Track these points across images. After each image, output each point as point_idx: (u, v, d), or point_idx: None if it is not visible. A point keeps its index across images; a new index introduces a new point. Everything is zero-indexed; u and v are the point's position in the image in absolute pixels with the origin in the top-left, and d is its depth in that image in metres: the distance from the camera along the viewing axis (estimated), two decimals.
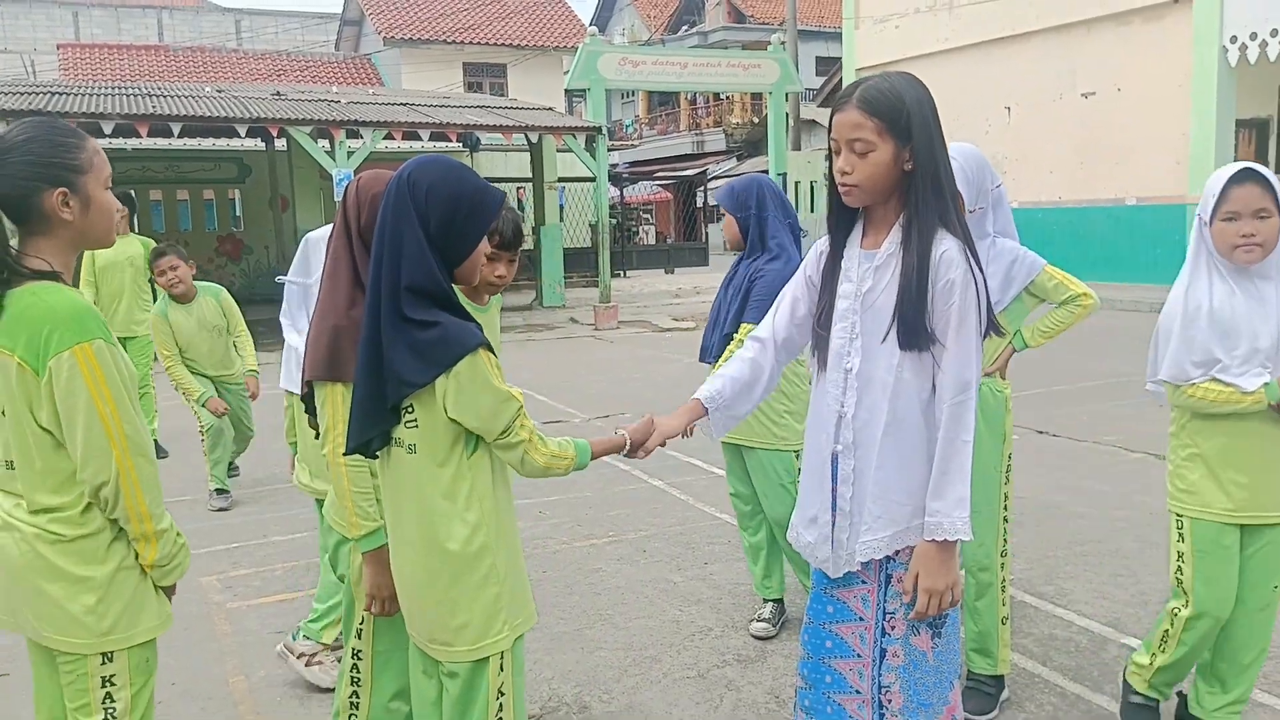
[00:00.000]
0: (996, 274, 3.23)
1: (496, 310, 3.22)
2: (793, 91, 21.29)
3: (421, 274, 2.07)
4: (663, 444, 2.46)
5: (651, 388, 10.04)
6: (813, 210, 23.71)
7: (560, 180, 18.39)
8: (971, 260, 2.21)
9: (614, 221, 23.74)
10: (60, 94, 14.22)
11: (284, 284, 3.73)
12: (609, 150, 28.63)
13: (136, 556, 2.13)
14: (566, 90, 25.52)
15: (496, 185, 2.34)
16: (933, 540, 2.16)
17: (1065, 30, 17.34)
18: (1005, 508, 3.32)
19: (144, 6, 35.57)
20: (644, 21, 39.36)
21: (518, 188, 21.07)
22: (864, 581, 2.31)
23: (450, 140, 15.57)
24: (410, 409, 2.12)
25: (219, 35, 34.45)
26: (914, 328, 2.21)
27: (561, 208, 21.25)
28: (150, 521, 2.08)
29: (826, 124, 2.40)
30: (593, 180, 16.66)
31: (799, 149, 24.94)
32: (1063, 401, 8.40)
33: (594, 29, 19.42)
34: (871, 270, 2.30)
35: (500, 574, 2.17)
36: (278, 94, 16.10)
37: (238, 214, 20.12)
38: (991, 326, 2.30)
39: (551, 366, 11.55)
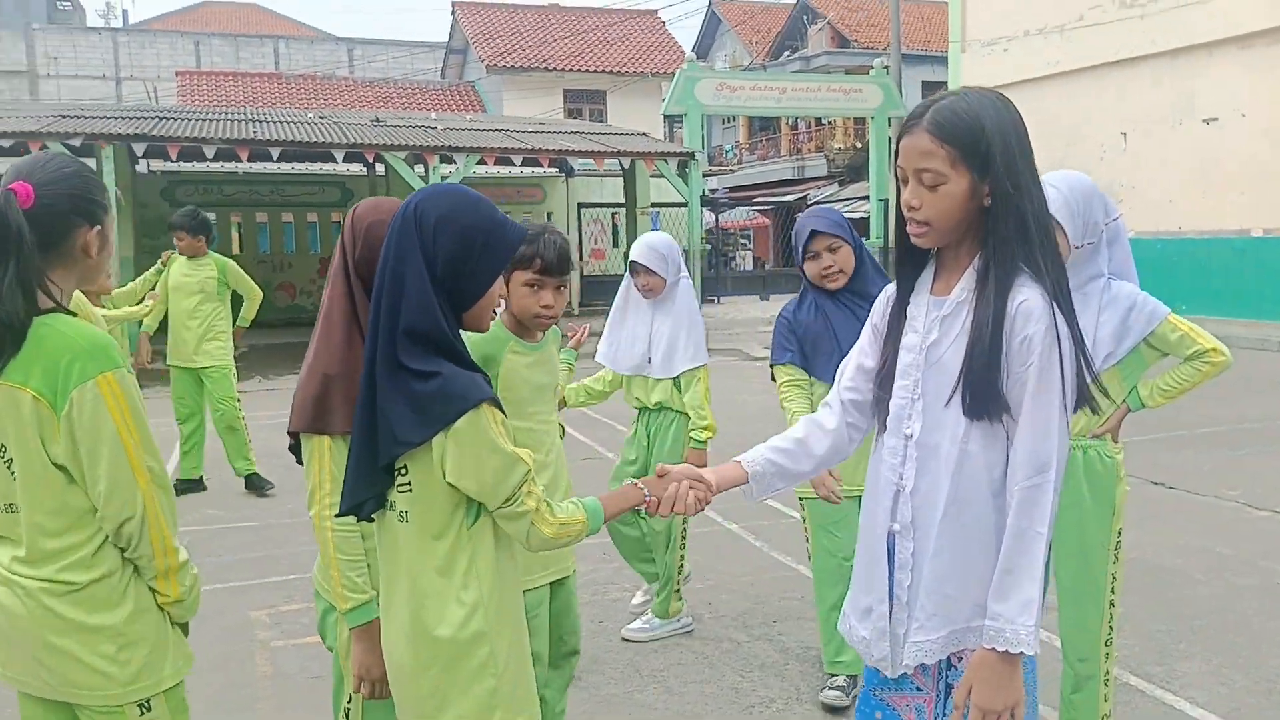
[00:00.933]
0: (1111, 321, 2.86)
1: (554, 345, 2.99)
2: (896, 116, 20.77)
3: (423, 317, 1.83)
4: (700, 507, 2.13)
5: (735, 420, 9.67)
6: None
7: (654, 205, 18.22)
8: (1059, 314, 1.87)
9: (708, 247, 23.47)
10: (167, 118, 14.66)
11: None
12: (707, 176, 28.48)
13: (154, 595, 2.01)
14: (665, 116, 25.46)
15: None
16: (992, 649, 1.81)
17: (1184, 53, 16.46)
18: (1112, 590, 2.92)
19: (262, 36, 36.90)
20: (746, 47, 39.10)
21: (612, 213, 21.00)
22: (919, 689, 1.97)
23: (542, 165, 15.56)
24: (404, 470, 1.87)
25: (332, 64, 35.50)
26: (982, 392, 1.88)
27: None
28: (174, 555, 1.99)
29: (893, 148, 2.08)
30: (685, 205, 16.44)
31: None
32: (1179, 448, 7.75)
33: (693, 55, 19.28)
34: (938, 320, 1.98)
35: (499, 664, 1.90)
36: (377, 120, 16.34)
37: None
38: (1083, 397, 1.94)
39: None
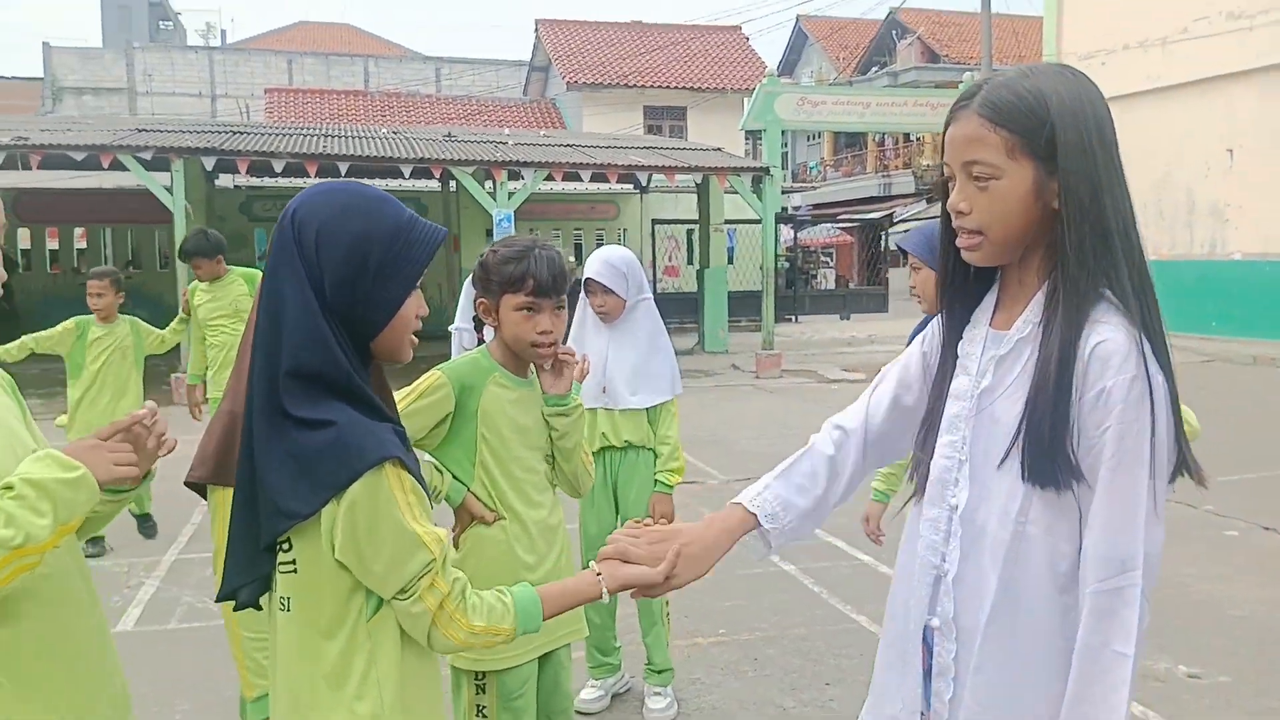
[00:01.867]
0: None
1: (540, 394, 2.55)
2: None
3: (310, 353, 1.43)
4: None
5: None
6: None
7: (729, 222, 17.75)
8: (1148, 357, 1.41)
9: (785, 265, 22.88)
10: (241, 133, 14.73)
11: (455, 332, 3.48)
12: (789, 192, 27.91)
13: None
14: (747, 131, 25.04)
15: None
16: None
17: None
18: None
19: (352, 55, 37.47)
20: (833, 63, 38.42)
21: (687, 230, 20.61)
22: None
23: (610, 181, 15.23)
24: (287, 544, 1.47)
25: (420, 81, 35.85)
26: (1045, 451, 1.43)
27: (731, 250, 20.63)
28: None
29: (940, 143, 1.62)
30: (760, 223, 15.95)
31: None
32: None
33: (774, 70, 18.80)
34: (994, 361, 1.53)
35: None
36: (449, 135, 16.23)
37: None
38: (1184, 465, 1.46)
39: (701, 417, 10.83)
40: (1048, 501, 1.44)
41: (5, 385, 1.75)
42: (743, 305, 18.73)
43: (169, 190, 12.34)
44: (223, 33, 43.80)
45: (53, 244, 18.93)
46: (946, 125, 1.53)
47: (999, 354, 1.53)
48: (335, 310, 1.45)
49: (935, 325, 1.71)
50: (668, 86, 28.30)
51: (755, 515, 1.68)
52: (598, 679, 3.88)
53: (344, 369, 1.44)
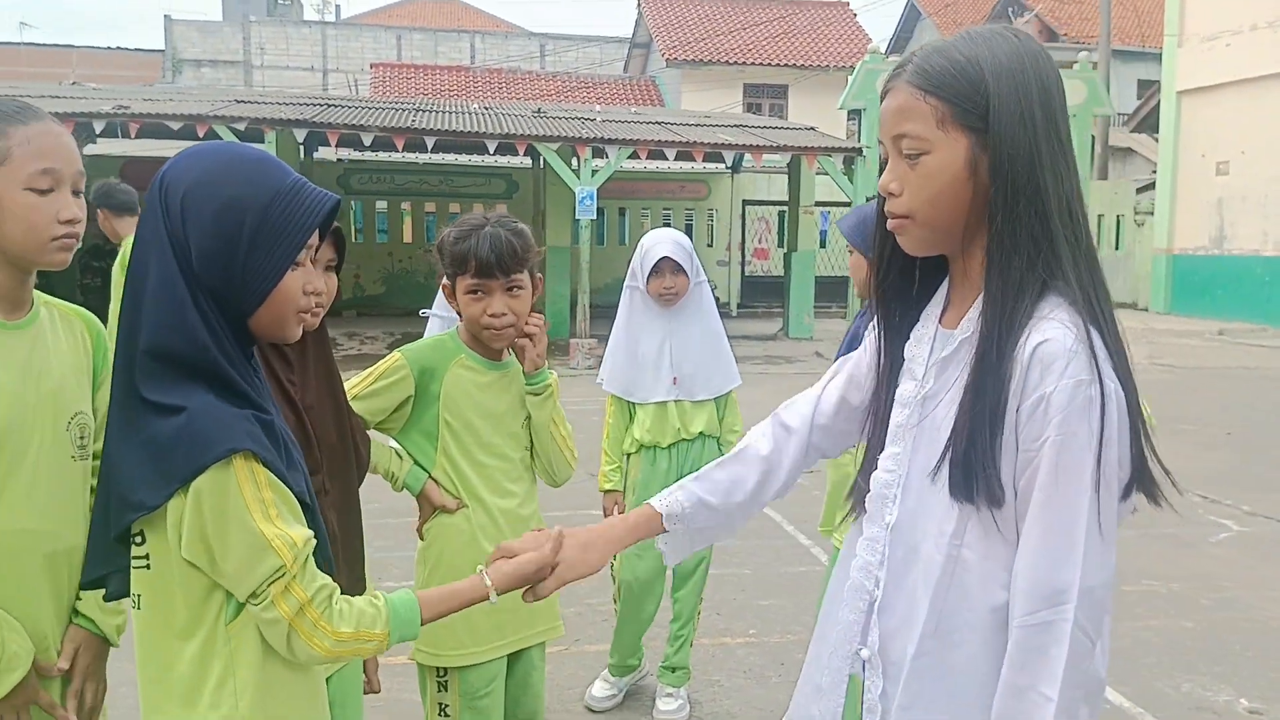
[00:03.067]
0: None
1: (518, 378, 2.42)
2: (1100, 114, 19.02)
3: (169, 332, 1.32)
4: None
5: None
6: (1118, 248, 21.21)
7: (820, 204, 17.33)
8: (1099, 358, 1.22)
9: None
10: (335, 106, 14.96)
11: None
12: None
13: None
14: (848, 110, 24.47)
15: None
16: None
17: None
18: None
19: (459, 31, 37.89)
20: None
21: (779, 211, 20.23)
22: None
23: (697, 160, 14.99)
24: (140, 537, 1.36)
25: (524, 58, 36.05)
26: (968, 466, 1.27)
27: (824, 234, 20.16)
28: None
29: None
30: (850, 205, 15.52)
31: (1105, 178, 22.43)
32: None
33: (878, 46, 18.23)
34: (936, 364, 1.37)
35: None
36: (539, 112, 16.22)
37: None
38: (1138, 482, 1.28)
39: (777, 404, 10.60)
40: (985, 523, 1.28)
41: (79, 331, 1.78)
42: (833, 291, 18.29)
43: None
44: (337, 7, 44.96)
45: None
46: (881, 98, 1.37)
47: (943, 355, 1.36)
48: (204, 284, 1.33)
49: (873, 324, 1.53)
50: (769, 64, 27.80)
51: (660, 514, 1.57)
52: (614, 677, 3.74)
53: (204, 349, 1.32)
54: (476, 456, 2.35)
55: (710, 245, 20.41)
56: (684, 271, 3.36)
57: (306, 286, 1.42)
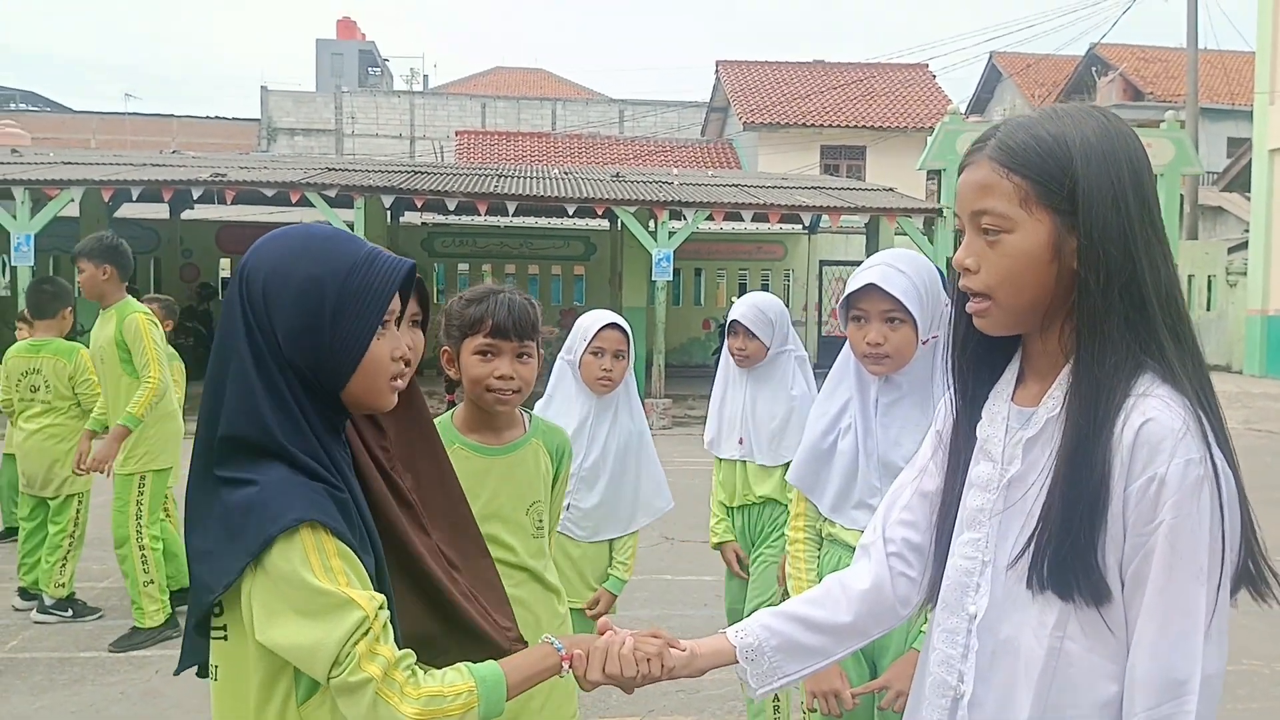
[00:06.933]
0: None
1: (538, 454, 2.34)
2: (1189, 173, 18.59)
3: (240, 415, 1.34)
4: (650, 671, 1.51)
5: None
6: (1209, 309, 20.58)
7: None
8: (1213, 444, 1.17)
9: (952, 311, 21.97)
10: (418, 173, 15.39)
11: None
12: None
13: None
14: (927, 171, 24.40)
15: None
16: None
17: None
18: None
19: (541, 99, 38.81)
20: (1027, 100, 36.94)
21: None
22: None
23: (772, 222, 15.01)
24: (219, 608, 1.38)
25: (605, 123, 36.74)
26: (1069, 558, 1.20)
27: None
28: None
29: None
30: None
31: (1195, 237, 21.85)
32: None
33: (958, 107, 18.16)
34: (1022, 444, 1.31)
35: None
36: (617, 176, 16.46)
37: (583, 290, 20.88)
38: (1247, 578, 1.23)
39: None
40: (1089, 616, 1.22)
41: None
42: None
43: (350, 226, 13.01)
44: (425, 77, 46.23)
45: None
46: (960, 171, 1.34)
47: (1028, 435, 1.30)
48: (295, 366, 1.36)
49: (945, 401, 1.48)
50: (846, 126, 27.85)
51: (734, 646, 1.52)
52: None
53: (269, 432, 1.33)
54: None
55: (787, 305, 20.32)
56: (756, 336, 3.34)
57: (394, 352, 1.43)
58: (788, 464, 3.34)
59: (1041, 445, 1.28)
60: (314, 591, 1.29)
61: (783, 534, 3.25)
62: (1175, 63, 32.54)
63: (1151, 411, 1.17)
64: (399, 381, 1.47)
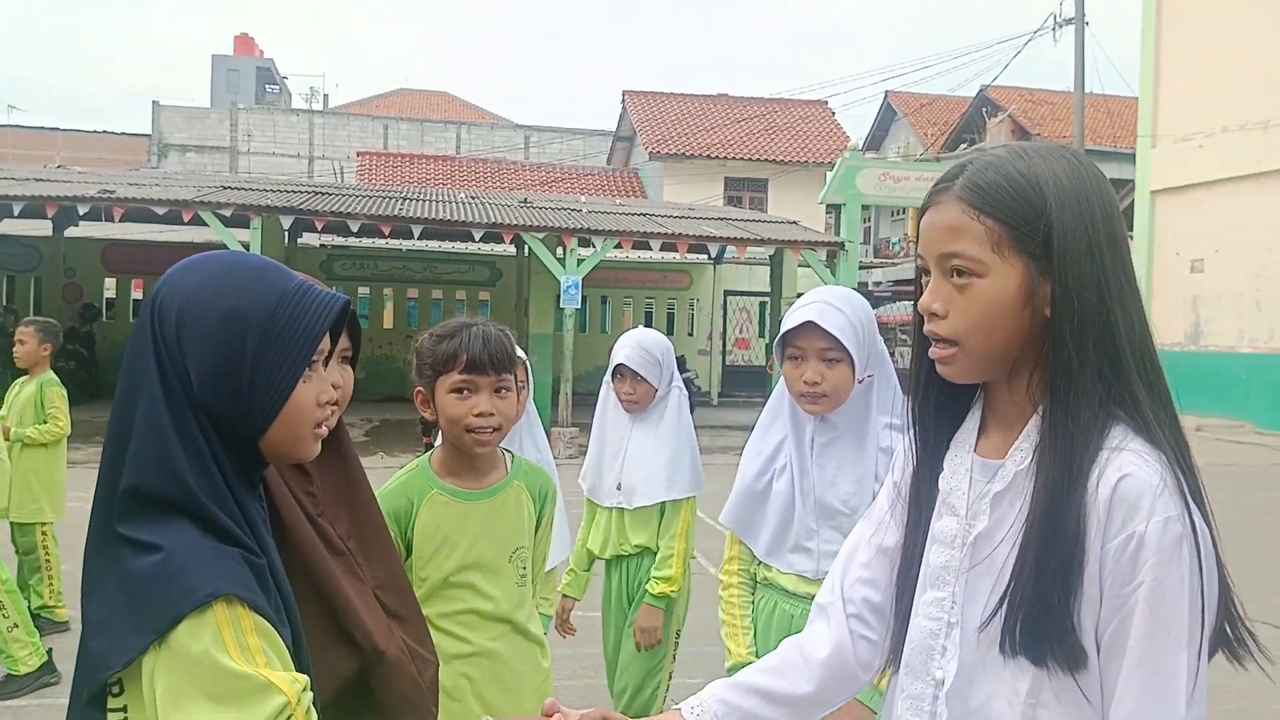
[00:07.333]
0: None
1: (520, 496, 2.23)
2: None
3: (149, 465, 1.18)
4: None
5: None
6: None
7: (801, 296, 17.47)
8: (1190, 503, 1.12)
9: None
10: (319, 193, 15.02)
11: None
12: (870, 268, 27.45)
13: None
14: (829, 205, 24.89)
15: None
16: None
17: None
18: None
19: (445, 122, 38.47)
20: (920, 139, 38.11)
21: (760, 302, 20.37)
22: None
23: (681, 252, 15.10)
24: (118, 687, 1.20)
25: (510, 149, 36.58)
26: (1043, 620, 1.14)
27: None
28: None
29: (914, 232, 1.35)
30: None
31: None
32: None
33: (857, 144, 18.61)
34: (989, 499, 1.24)
35: None
36: (525, 201, 16.34)
37: (488, 316, 20.66)
38: (1223, 639, 1.17)
39: None
40: (1063, 682, 1.15)
41: None
42: None
43: (246, 247, 12.57)
44: (325, 96, 45.39)
45: (137, 294, 19.51)
46: (923, 210, 1.26)
47: (996, 489, 1.23)
48: (208, 409, 1.21)
49: (901, 451, 1.42)
50: (750, 159, 28.31)
51: None
52: None
53: (181, 483, 1.18)
54: (450, 608, 2.14)
55: (692, 335, 20.50)
56: (646, 380, 3.15)
57: (321, 397, 1.30)
58: (663, 507, 3.20)
59: (1010, 500, 1.22)
60: (229, 675, 1.14)
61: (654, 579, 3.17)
62: (1061, 105, 34.00)
63: (1128, 466, 1.12)
64: (323, 429, 1.34)
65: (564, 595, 3.31)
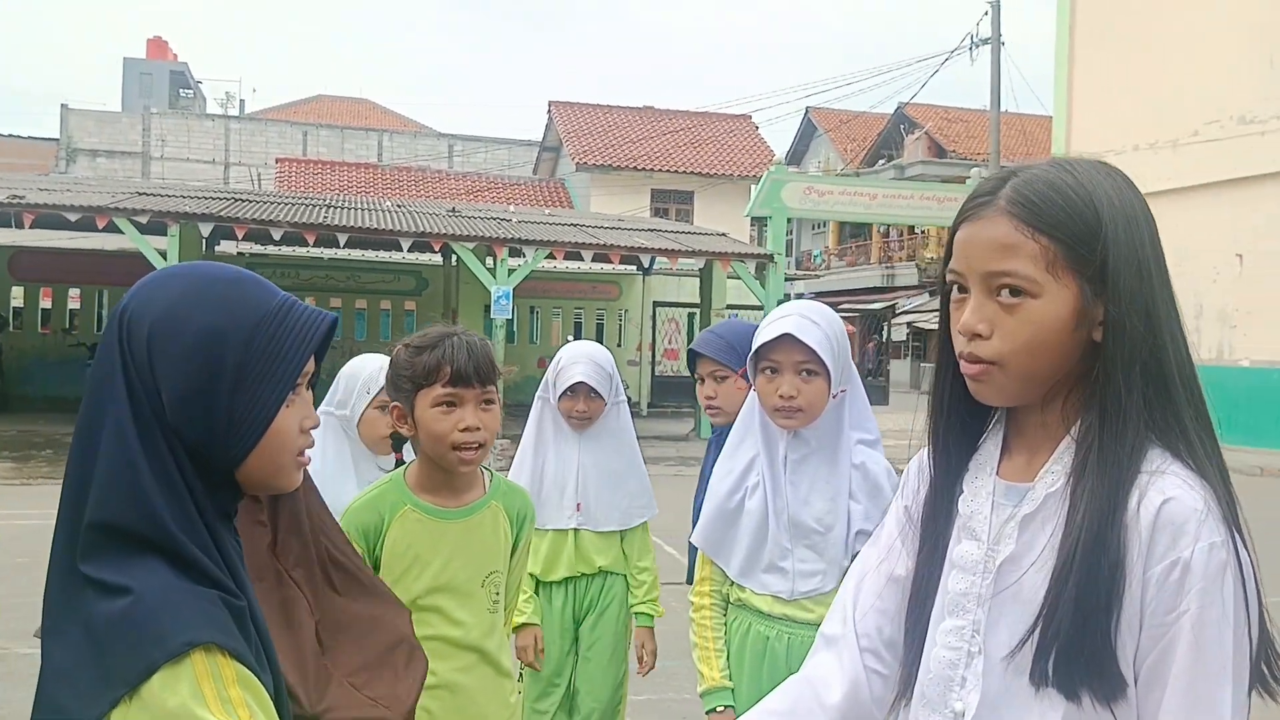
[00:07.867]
0: (862, 502, 2.24)
1: (498, 517, 2.13)
2: None
3: (117, 497, 1.08)
4: None
5: None
6: None
7: (731, 307, 17.58)
8: (1234, 530, 1.09)
9: None
10: (242, 200, 14.64)
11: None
12: (793, 280, 27.77)
13: None
14: (753, 218, 25.11)
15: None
16: None
17: None
18: None
19: (367, 130, 37.89)
20: (840, 154, 38.76)
21: (689, 313, 20.47)
22: None
23: (613, 262, 15.08)
24: None
25: (433, 157, 36.17)
26: (1081, 650, 1.08)
27: None
28: None
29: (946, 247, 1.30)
30: (762, 309, 15.75)
31: None
32: None
33: (781, 158, 18.84)
34: (1016, 522, 1.19)
35: None
36: (453, 210, 16.17)
37: (413, 325, 20.36)
38: (1258, 675, 1.12)
39: (690, 504, 10.43)
40: (1096, 714, 1.10)
41: None
42: None
43: (163, 255, 12.17)
44: (241, 102, 44.32)
45: (45, 303, 18.74)
46: (959, 221, 1.20)
47: (1025, 512, 1.18)
48: (181, 435, 1.11)
49: (915, 473, 1.37)
50: (676, 171, 28.48)
51: None
52: None
53: (155, 519, 1.08)
54: (417, 634, 2.06)
55: (620, 345, 20.47)
56: (601, 396, 3.00)
57: (304, 423, 1.20)
58: (626, 529, 3.10)
59: (1040, 523, 1.17)
60: None
61: (631, 611, 3.09)
62: (976, 123, 34.91)
63: (1171, 490, 1.09)
64: (305, 457, 1.24)
65: (527, 624, 3.05)
